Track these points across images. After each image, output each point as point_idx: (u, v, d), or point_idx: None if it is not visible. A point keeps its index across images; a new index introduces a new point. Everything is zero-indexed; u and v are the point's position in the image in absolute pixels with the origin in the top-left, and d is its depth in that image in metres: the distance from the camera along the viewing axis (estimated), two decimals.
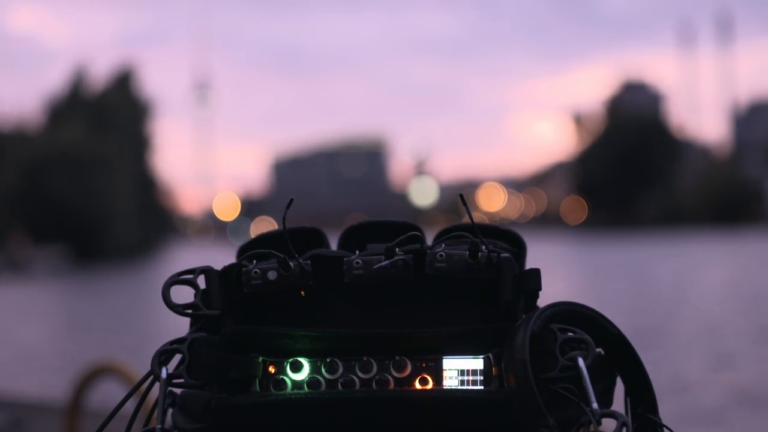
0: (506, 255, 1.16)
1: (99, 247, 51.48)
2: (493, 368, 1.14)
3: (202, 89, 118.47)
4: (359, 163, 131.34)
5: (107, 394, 4.99)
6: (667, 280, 26.19)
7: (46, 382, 11.35)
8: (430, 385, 1.15)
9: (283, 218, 1.18)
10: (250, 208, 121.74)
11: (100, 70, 68.26)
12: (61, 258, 47.42)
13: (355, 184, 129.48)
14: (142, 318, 19.32)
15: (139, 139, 60.25)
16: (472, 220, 1.19)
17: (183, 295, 1.20)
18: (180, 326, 1.24)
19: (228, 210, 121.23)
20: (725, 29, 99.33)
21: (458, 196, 1.22)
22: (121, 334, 16.56)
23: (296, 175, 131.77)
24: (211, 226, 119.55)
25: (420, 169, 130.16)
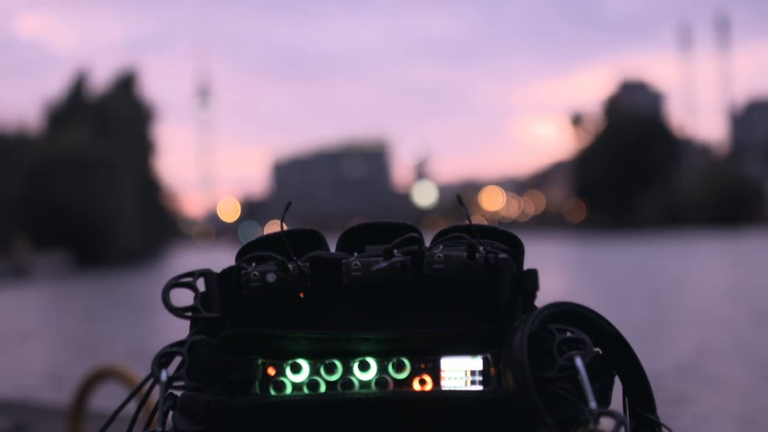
0: (504, 256, 1.17)
1: (102, 250, 51.52)
2: (492, 368, 1.15)
3: (204, 93, 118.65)
4: (361, 165, 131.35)
5: (109, 396, 5.00)
6: (667, 280, 26.18)
7: (49, 386, 11.36)
8: (429, 386, 1.15)
9: (281, 220, 1.19)
10: (253, 210, 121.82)
11: (103, 75, 68.37)
12: (64, 262, 47.44)
13: (357, 185, 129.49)
14: (145, 321, 19.34)
15: (142, 143, 60.29)
16: (470, 221, 1.19)
17: (184, 298, 1.21)
18: (181, 329, 1.24)
19: (231, 213, 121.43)
20: (723, 31, 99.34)
21: (457, 197, 1.23)
22: (123, 337, 16.58)
23: (298, 177, 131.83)
24: (215, 229, 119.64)
25: (421, 171, 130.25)
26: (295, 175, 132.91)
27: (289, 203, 1.20)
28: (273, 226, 1.23)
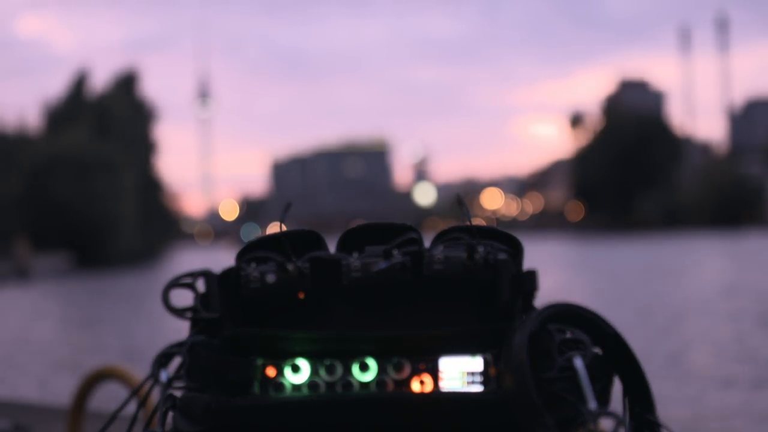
0: (503, 257, 1.17)
1: (103, 251, 51.52)
2: (492, 369, 1.15)
3: (204, 93, 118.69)
4: (361, 165, 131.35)
5: (109, 397, 5.01)
6: (664, 280, 26.18)
7: (50, 387, 11.37)
8: (428, 387, 1.15)
9: (281, 222, 1.19)
10: (253, 209, 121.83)
11: (104, 75, 68.35)
12: (65, 263, 47.42)
13: (357, 185, 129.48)
14: (145, 321, 19.33)
15: (143, 143, 60.34)
16: (470, 221, 1.19)
17: (184, 298, 1.21)
18: (181, 330, 1.24)
19: (231, 212, 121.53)
20: (722, 31, 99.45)
21: (457, 197, 1.23)
22: (123, 338, 16.58)
23: (298, 176, 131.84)
24: (216, 229, 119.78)
25: (422, 171, 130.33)
26: (294, 174, 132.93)
27: (289, 204, 1.20)
28: (274, 228, 1.24)
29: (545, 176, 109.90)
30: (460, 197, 1.22)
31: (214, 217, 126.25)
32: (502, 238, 1.23)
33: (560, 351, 1.10)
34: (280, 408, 1.13)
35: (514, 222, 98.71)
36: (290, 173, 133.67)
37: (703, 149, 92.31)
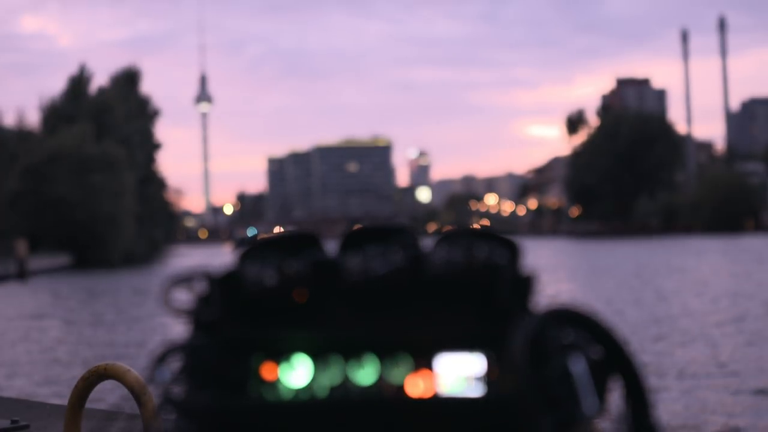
0: (502, 259, 1.17)
1: (104, 249, 51.55)
2: (491, 371, 1.15)
3: (204, 93, 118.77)
4: (362, 162, 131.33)
5: (108, 397, 5.01)
6: (663, 280, 26.18)
7: (50, 386, 11.38)
8: (427, 389, 1.16)
9: (281, 223, 1.19)
10: (251, 207, 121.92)
11: (105, 74, 68.42)
12: (66, 263, 47.44)
13: (358, 183, 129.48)
14: (145, 321, 19.35)
15: (144, 141, 60.42)
16: (470, 223, 1.20)
17: (183, 298, 1.21)
18: (180, 330, 1.24)
19: (230, 210, 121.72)
20: (722, 34, 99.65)
21: (459, 199, 1.24)
22: (122, 337, 16.60)
23: (298, 172, 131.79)
24: (216, 227, 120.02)
25: (423, 170, 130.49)
26: (292, 170, 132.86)
27: (291, 209, 1.21)
28: (276, 230, 1.25)
29: (544, 175, 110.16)
30: (462, 201, 1.23)
31: (213, 214, 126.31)
32: (502, 240, 1.24)
33: (559, 352, 1.11)
34: (279, 410, 1.13)
35: (512, 221, 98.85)
36: (288, 169, 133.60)
37: (702, 150, 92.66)
